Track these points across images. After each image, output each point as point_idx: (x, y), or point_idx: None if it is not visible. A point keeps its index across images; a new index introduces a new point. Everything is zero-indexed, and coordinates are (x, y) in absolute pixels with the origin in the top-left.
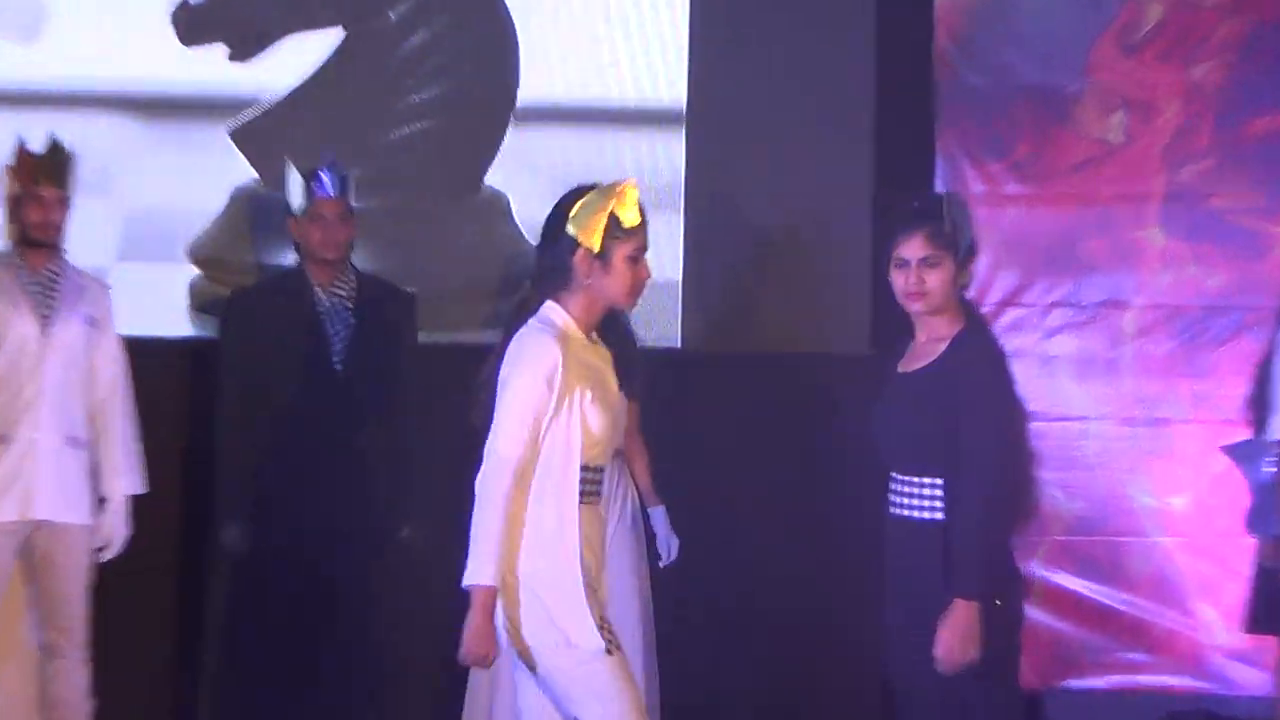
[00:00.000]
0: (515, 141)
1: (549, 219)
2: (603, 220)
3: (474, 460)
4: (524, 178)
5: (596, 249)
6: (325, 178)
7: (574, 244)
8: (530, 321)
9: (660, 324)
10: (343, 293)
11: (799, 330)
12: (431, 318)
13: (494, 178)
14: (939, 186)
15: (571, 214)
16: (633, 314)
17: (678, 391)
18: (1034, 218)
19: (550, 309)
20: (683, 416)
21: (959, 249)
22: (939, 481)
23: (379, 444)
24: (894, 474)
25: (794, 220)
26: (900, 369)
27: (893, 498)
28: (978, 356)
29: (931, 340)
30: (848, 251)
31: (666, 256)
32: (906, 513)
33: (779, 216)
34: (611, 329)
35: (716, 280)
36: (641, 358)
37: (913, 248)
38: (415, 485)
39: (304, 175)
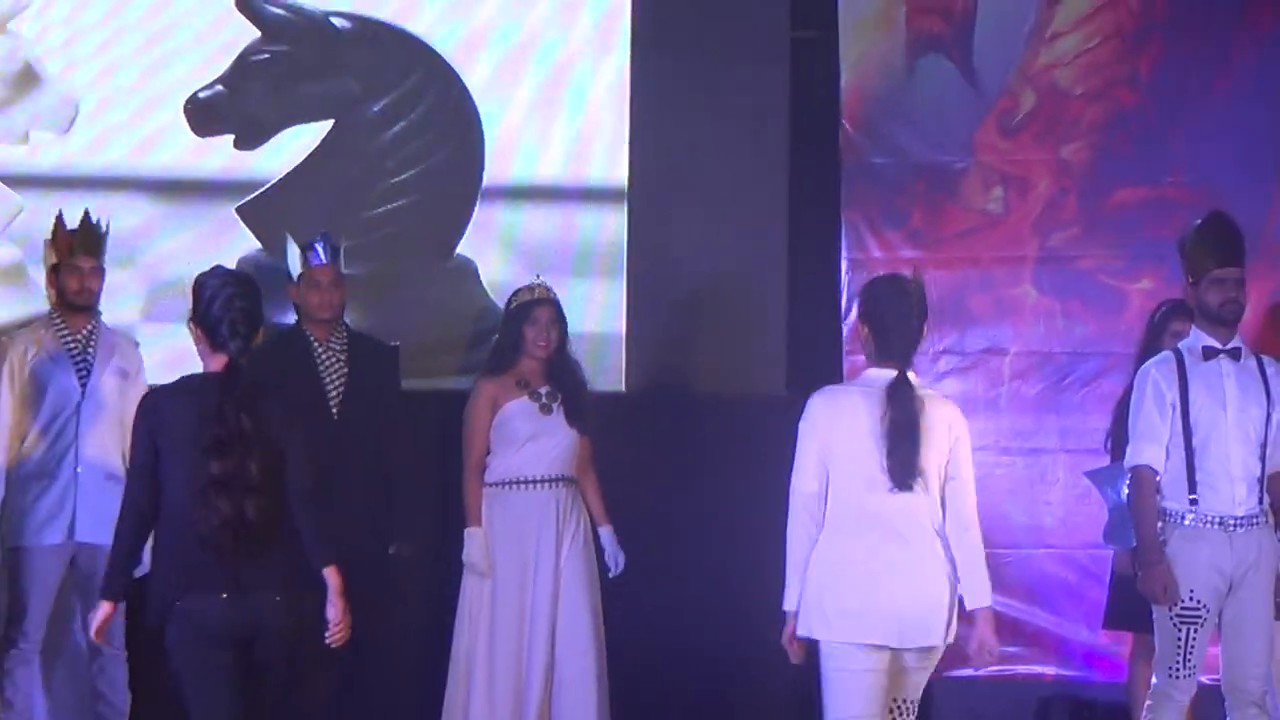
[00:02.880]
0: (482, 215)
1: None
2: None
3: (449, 487)
4: (489, 247)
5: None
6: (319, 248)
7: None
8: None
9: (609, 371)
10: (337, 348)
11: (725, 374)
12: (412, 367)
13: (463, 247)
14: (844, 252)
15: None
16: (584, 361)
17: (623, 428)
18: (926, 278)
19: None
20: (628, 450)
21: None
22: None
23: (371, 477)
24: None
25: (721, 280)
26: None
27: None
28: None
29: None
30: (768, 307)
31: (613, 313)
32: None
33: (708, 277)
34: (566, 375)
35: (654, 333)
36: (592, 400)
37: None
38: (400, 510)
39: (301, 246)
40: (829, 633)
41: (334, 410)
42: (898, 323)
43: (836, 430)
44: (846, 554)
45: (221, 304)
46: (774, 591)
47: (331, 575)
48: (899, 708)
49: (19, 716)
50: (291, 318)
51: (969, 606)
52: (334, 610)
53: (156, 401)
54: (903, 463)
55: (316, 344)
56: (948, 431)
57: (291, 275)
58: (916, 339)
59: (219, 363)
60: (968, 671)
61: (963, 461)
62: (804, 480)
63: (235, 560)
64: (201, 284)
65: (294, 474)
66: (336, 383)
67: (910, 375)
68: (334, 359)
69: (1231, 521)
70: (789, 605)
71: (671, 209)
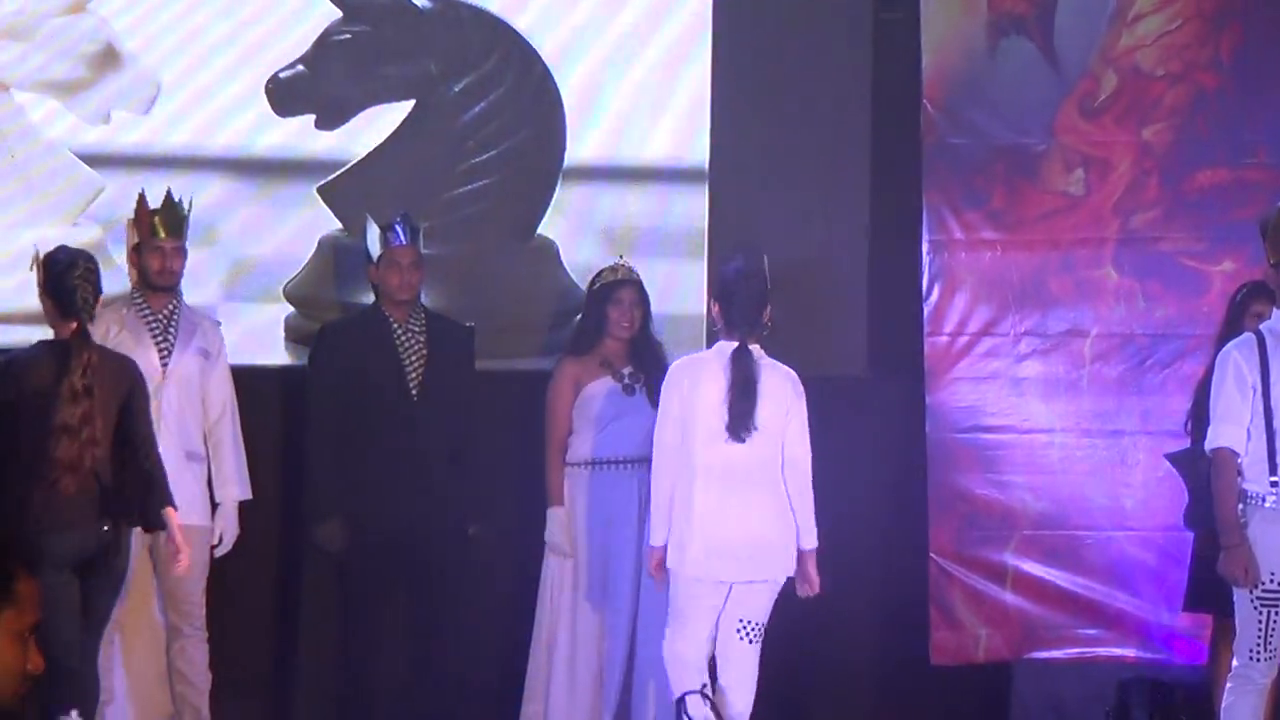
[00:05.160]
0: (563, 196)
1: None
2: None
3: (530, 468)
4: (571, 228)
5: None
6: (399, 229)
7: None
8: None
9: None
10: (415, 328)
11: (807, 355)
12: (491, 347)
13: (544, 228)
14: (925, 234)
15: None
16: (665, 342)
17: None
18: (1007, 260)
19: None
20: None
21: None
22: None
23: (449, 457)
24: None
25: (802, 261)
26: None
27: None
28: None
29: None
30: (849, 288)
31: (693, 294)
32: None
33: (789, 258)
34: (649, 355)
35: None
36: None
37: None
38: (480, 491)
39: (381, 227)
40: (681, 568)
41: (413, 392)
42: (740, 301)
43: (692, 391)
44: (697, 499)
45: (74, 277)
46: (850, 570)
47: (171, 515)
48: (744, 627)
49: (99, 696)
50: (371, 297)
51: (801, 547)
52: (175, 545)
53: (19, 361)
54: (740, 418)
55: (395, 325)
56: (786, 395)
57: (371, 256)
58: (756, 315)
59: (68, 329)
60: (1047, 654)
61: (795, 419)
62: (665, 434)
63: (78, 497)
64: (52, 260)
65: (141, 427)
66: (416, 364)
67: (752, 346)
68: (413, 340)
69: None
70: (656, 541)
71: (753, 190)
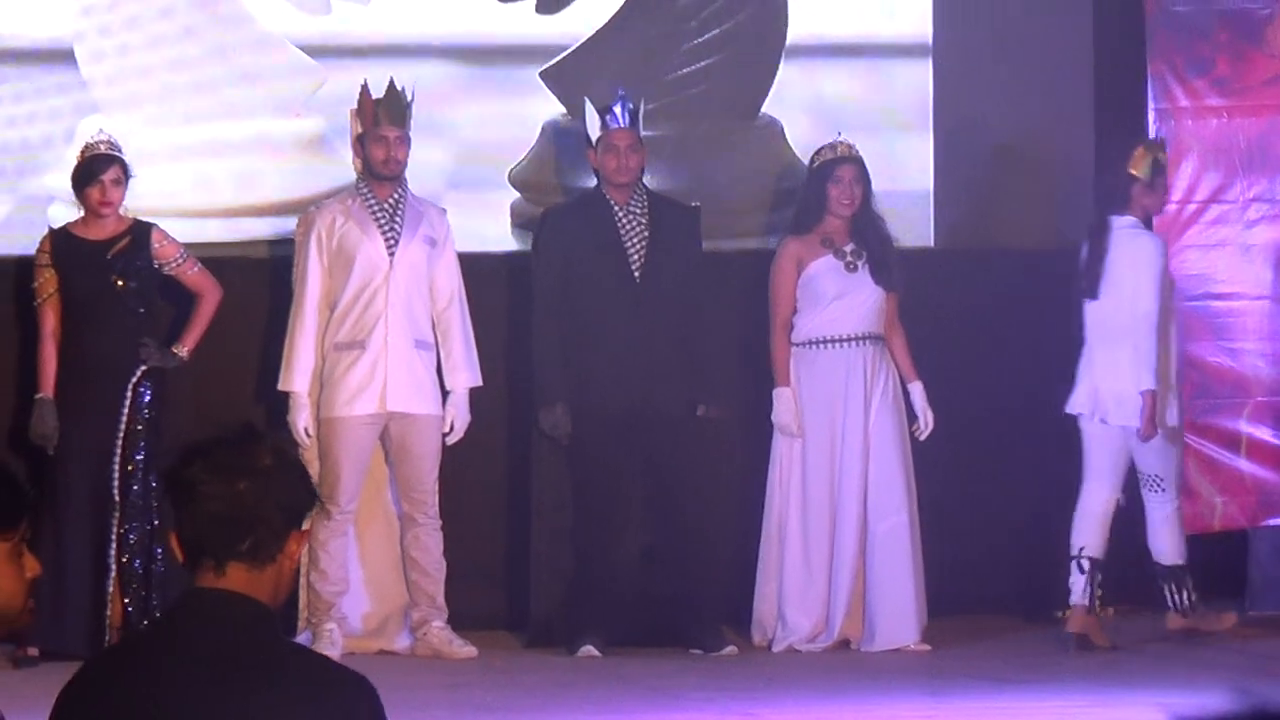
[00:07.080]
0: (787, 75)
1: None
2: None
3: (755, 348)
4: (796, 106)
5: None
6: (616, 111)
7: None
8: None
9: (916, 227)
10: (637, 210)
11: (1034, 227)
12: (715, 228)
13: (769, 107)
14: (1150, 103)
15: None
16: (890, 218)
17: (931, 284)
18: (1233, 126)
19: None
20: (936, 306)
21: None
22: None
23: (675, 338)
24: None
25: (1027, 134)
26: None
27: None
28: None
29: None
30: (1073, 159)
31: (919, 169)
32: None
33: (1014, 131)
34: (871, 232)
35: (961, 188)
36: (899, 256)
37: None
38: (706, 371)
39: (599, 110)
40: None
41: (636, 274)
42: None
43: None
44: (1086, 351)
45: None
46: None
47: None
48: (1145, 480)
49: (334, 586)
50: (593, 181)
51: (1138, 388)
52: None
53: None
54: (1089, 278)
55: (617, 207)
56: (1130, 257)
57: (590, 139)
58: (1109, 194)
59: None
60: None
61: (1137, 277)
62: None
63: None
64: None
65: None
66: (638, 245)
67: (1118, 218)
68: (634, 222)
69: None
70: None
71: (976, 63)
